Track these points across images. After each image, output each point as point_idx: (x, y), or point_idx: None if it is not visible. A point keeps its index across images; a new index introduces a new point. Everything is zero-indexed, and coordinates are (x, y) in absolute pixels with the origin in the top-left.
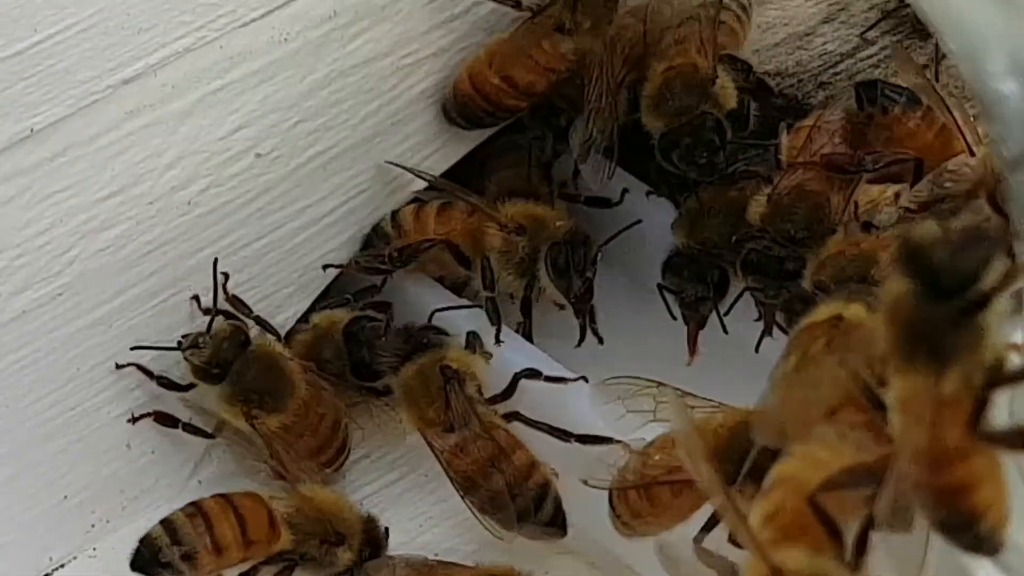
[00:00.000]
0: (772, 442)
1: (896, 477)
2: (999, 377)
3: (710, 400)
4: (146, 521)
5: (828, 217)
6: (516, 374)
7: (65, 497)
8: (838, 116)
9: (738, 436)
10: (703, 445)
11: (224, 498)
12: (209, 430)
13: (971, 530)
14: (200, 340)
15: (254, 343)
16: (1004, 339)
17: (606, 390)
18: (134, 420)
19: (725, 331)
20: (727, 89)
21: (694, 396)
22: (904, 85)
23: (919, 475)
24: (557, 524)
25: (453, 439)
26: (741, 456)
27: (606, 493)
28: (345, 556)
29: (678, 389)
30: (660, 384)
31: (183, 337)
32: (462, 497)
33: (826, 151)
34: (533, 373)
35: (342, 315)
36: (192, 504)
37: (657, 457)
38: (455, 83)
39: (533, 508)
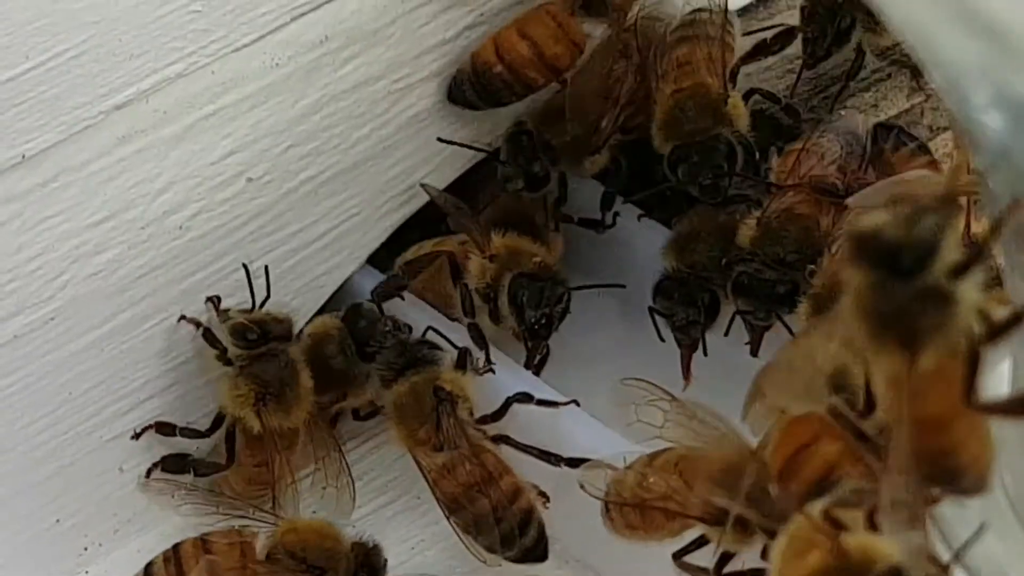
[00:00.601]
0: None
1: (890, 476)
2: (988, 333)
3: (719, 420)
4: (138, 544)
5: (818, 240)
6: (508, 398)
7: (58, 520)
8: (827, 139)
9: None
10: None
11: (201, 540)
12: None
13: (956, 483)
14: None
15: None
16: (980, 298)
17: (623, 391)
18: (137, 436)
19: (705, 353)
20: (739, 109)
21: (703, 410)
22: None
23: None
24: (539, 550)
25: (441, 459)
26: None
27: (595, 516)
28: None
29: (689, 408)
30: (673, 399)
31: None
32: (447, 517)
33: (816, 173)
34: (525, 397)
35: (332, 320)
36: (173, 546)
37: (652, 480)
38: (473, 55)
39: (517, 533)
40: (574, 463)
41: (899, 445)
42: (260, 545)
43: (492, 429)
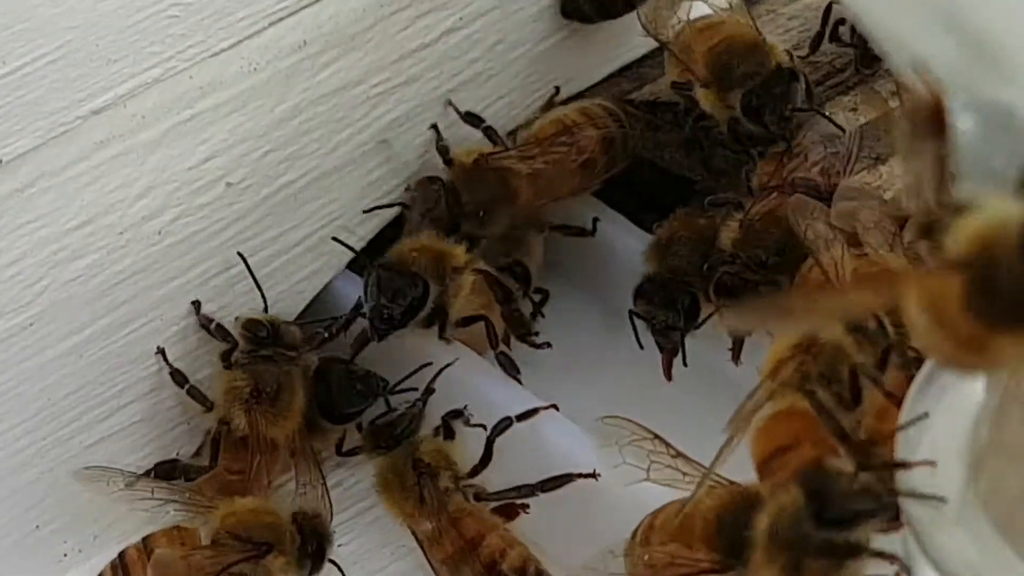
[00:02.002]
0: None
1: None
2: None
3: (699, 464)
4: (118, 550)
5: (800, 243)
6: (488, 438)
7: (37, 527)
8: (811, 142)
9: (728, 517)
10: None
11: (142, 543)
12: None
13: None
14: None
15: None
16: None
17: (604, 431)
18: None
19: (685, 363)
20: (775, 46)
21: (686, 459)
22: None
23: None
24: None
25: (429, 528)
26: (733, 537)
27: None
28: (279, 563)
29: (670, 446)
30: (656, 437)
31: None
32: None
33: (799, 176)
34: (505, 424)
35: None
36: (119, 555)
37: (647, 557)
38: None
39: None
40: (547, 487)
41: None
42: (204, 535)
43: (482, 481)
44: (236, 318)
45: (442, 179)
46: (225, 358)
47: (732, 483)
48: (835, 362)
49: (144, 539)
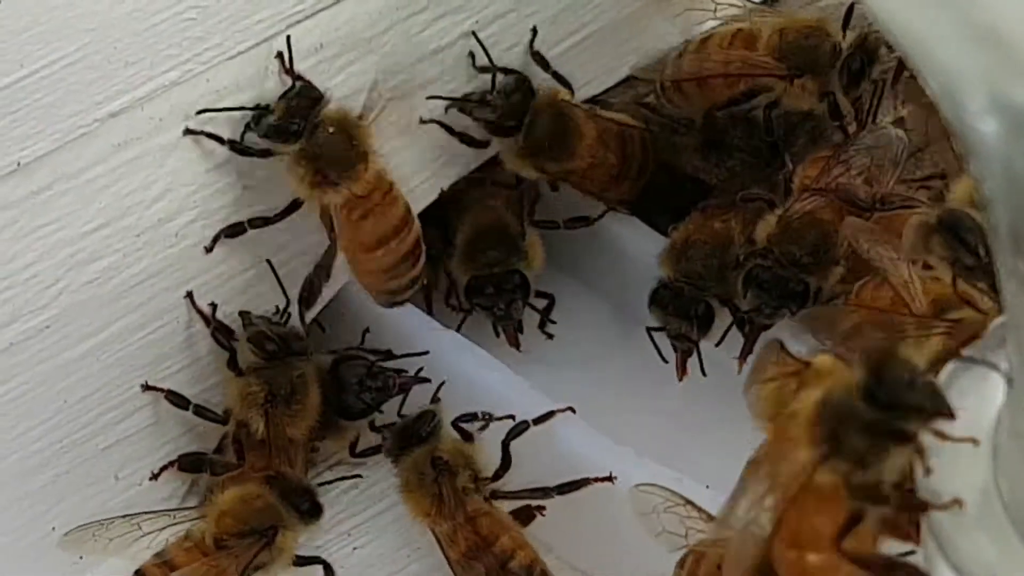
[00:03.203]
0: None
1: None
2: (873, 495)
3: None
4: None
5: (834, 247)
6: (504, 442)
7: (53, 529)
8: (858, 150)
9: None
10: None
11: (161, 558)
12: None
13: None
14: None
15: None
16: (895, 474)
17: (641, 498)
18: (155, 476)
19: (703, 372)
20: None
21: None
22: None
23: None
24: None
25: (447, 528)
26: None
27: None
28: (288, 537)
29: (701, 510)
30: (688, 502)
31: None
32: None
33: (843, 182)
34: (522, 427)
35: None
36: (135, 572)
37: None
38: None
39: None
40: (564, 490)
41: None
42: (207, 543)
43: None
44: (242, 334)
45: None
46: (232, 366)
47: None
48: None
49: (160, 554)
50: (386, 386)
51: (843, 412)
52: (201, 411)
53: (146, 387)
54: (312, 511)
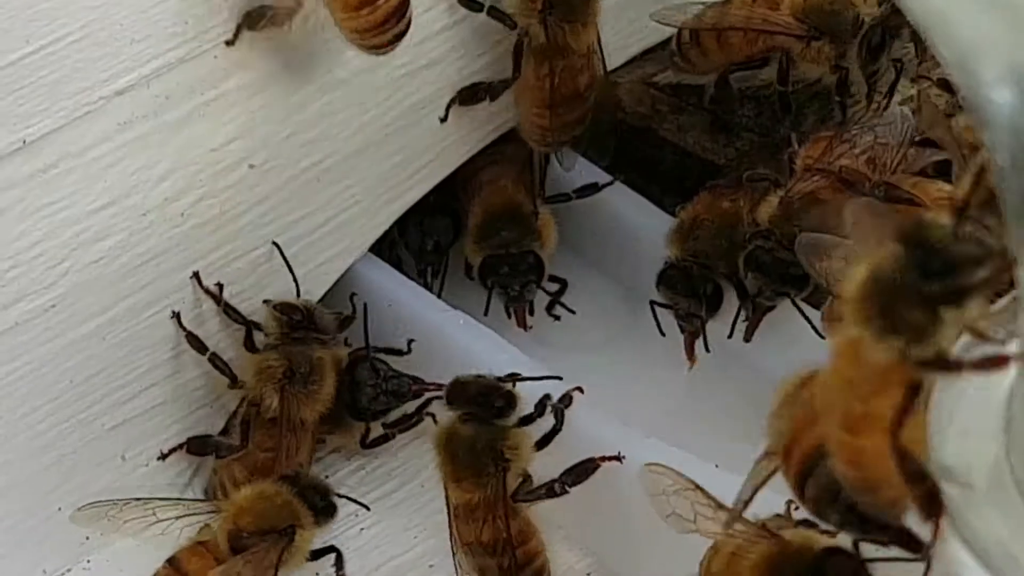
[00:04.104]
0: None
1: None
2: (935, 363)
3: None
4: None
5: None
6: (537, 442)
7: (59, 509)
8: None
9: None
10: None
11: (172, 564)
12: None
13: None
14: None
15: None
16: (955, 339)
17: (651, 479)
18: (163, 456)
19: (707, 349)
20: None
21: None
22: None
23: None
24: None
25: (471, 503)
26: None
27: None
28: (305, 536)
29: (710, 497)
30: (697, 487)
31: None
32: (453, 553)
33: (845, 163)
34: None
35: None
36: None
37: None
38: None
39: None
40: (575, 479)
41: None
42: (220, 538)
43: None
44: (265, 301)
45: None
46: (248, 343)
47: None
48: None
49: (172, 560)
50: (401, 391)
51: (893, 288)
52: (215, 360)
53: (174, 315)
54: (327, 510)
